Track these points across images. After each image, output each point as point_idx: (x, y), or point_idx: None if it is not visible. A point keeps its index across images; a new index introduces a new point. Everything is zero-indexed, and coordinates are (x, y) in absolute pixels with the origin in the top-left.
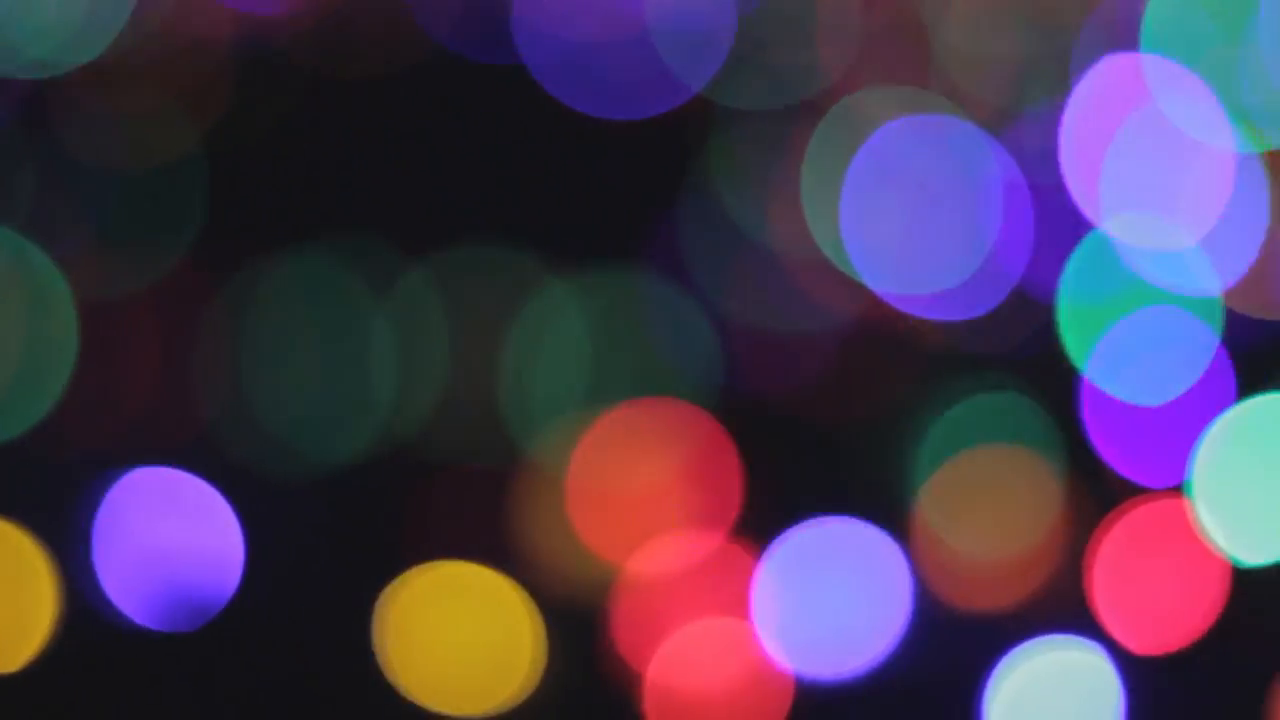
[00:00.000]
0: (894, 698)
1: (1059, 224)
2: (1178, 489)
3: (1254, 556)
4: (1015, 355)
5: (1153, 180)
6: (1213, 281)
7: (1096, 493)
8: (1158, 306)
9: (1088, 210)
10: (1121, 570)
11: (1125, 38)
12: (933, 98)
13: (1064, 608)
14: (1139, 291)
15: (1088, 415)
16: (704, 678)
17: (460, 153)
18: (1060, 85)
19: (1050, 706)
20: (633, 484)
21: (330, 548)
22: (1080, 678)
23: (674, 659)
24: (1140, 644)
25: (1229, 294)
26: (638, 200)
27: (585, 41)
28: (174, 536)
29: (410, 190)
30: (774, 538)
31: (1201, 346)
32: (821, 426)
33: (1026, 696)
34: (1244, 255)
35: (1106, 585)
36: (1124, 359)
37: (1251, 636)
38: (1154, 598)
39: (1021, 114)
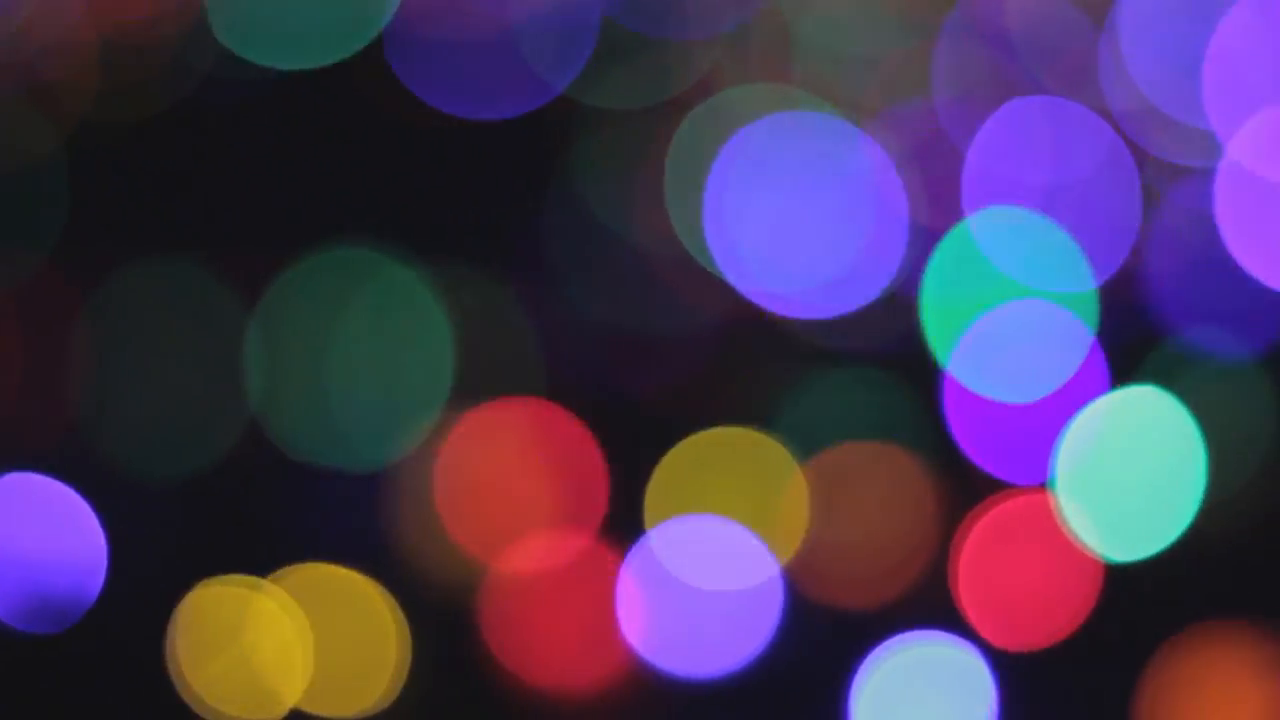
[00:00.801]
0: (761, 696)
1: (926, 220)
2: (1045, 485)
3: (1123, 553)
4: (882, 352)
5: (1019, 175)
6: (1085, 277)
7: (963, 490)
8: (1026, 302)
9: (953, 206)
10: (987, 567)
11: (988, 34)
12: (798, 94)
13: (931, 604)
14: (1003, 287)
15: (952, 412)
16: (573, 677)
17: (325, 153)
18: (923, 82)
19: (916, 703)
20: (498, 484)
21: (194, 550)
22: (948, 674)
23: (543, 658)
24: (1010, 640)
25: (1104, 289)
26: (503, 200)
27: (447, 41)
28: (36, 540)
29: (275, 190)
30: (639, 537)
31: (1073, 342)
32: (687, 426)
33: (892, 693)
34: (1117, 250)
35: (972, 582)
36: (989, 355)
37: (1125, 632)
38: (1022, 594)
39: (885, 111)
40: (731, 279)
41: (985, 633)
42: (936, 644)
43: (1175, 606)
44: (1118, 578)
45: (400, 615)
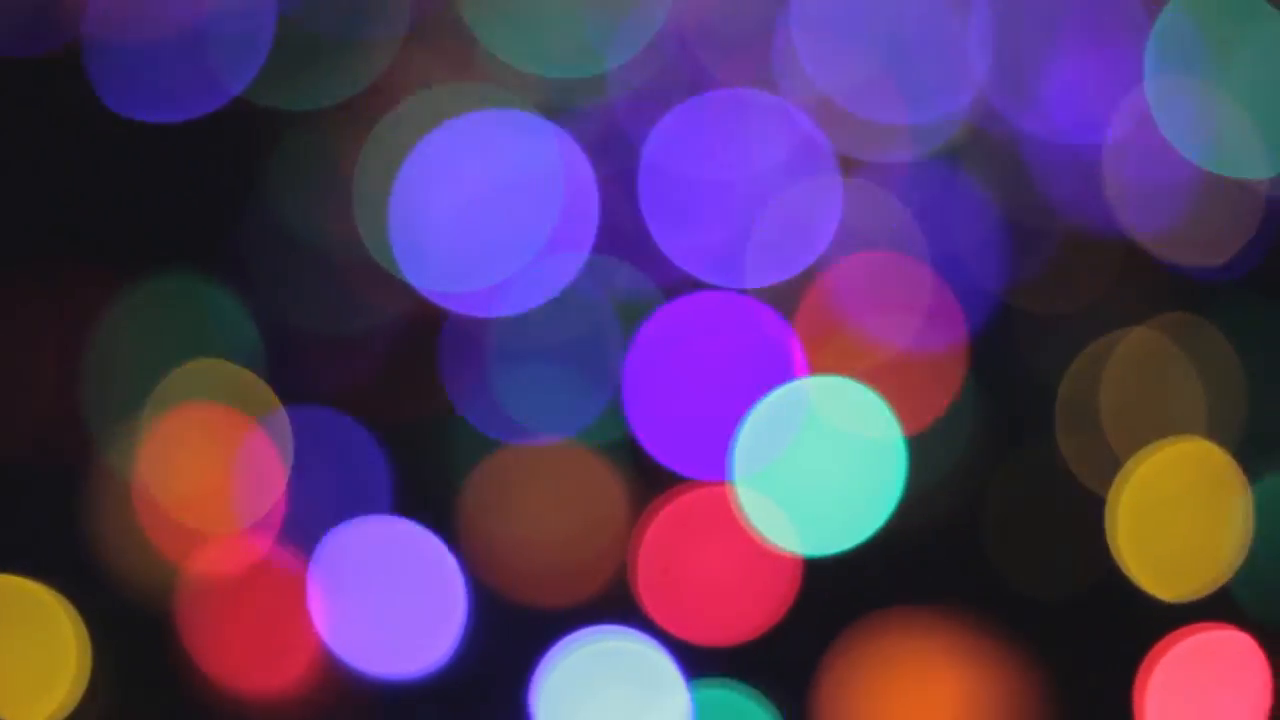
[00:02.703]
0: (449, 694)
1: (612, 222)
2: (728, 480)
3: (816, 548)
4: (568, 349)
5: (703, 170)
6: (766, 274)
7: (646, 486)
8: (709, 294)
9: (634, 207)
10: (666, 562)
11: (671, 32)
12: (483, 93)
13: (618, 601)
14: (682, 284)
15: (633, 408)
16: (267, 677)
17: (9, 159)
18: (603, 81)
19: (599, 699)
20: (186, 487)
21: None
22: (631, 669)
23: (233, 660)
24: (699, 635)
25: (793, 281)
26: (189, 203)
27: (124, 43)
28: None
29: None
30: (325, 538)
31: (762, 337)
32: (372, 425)
33: (575, 690)
34: (807, 243)
35: (651, 577)
36: (668, 353)
37: (821, 626)
38: (707, 589)
39: (568, 111)
40: (415, 280)
41: (671, 628)
42: (619, 640)
43: (870, 599)
44: (816, 572)
45: (80, 622)
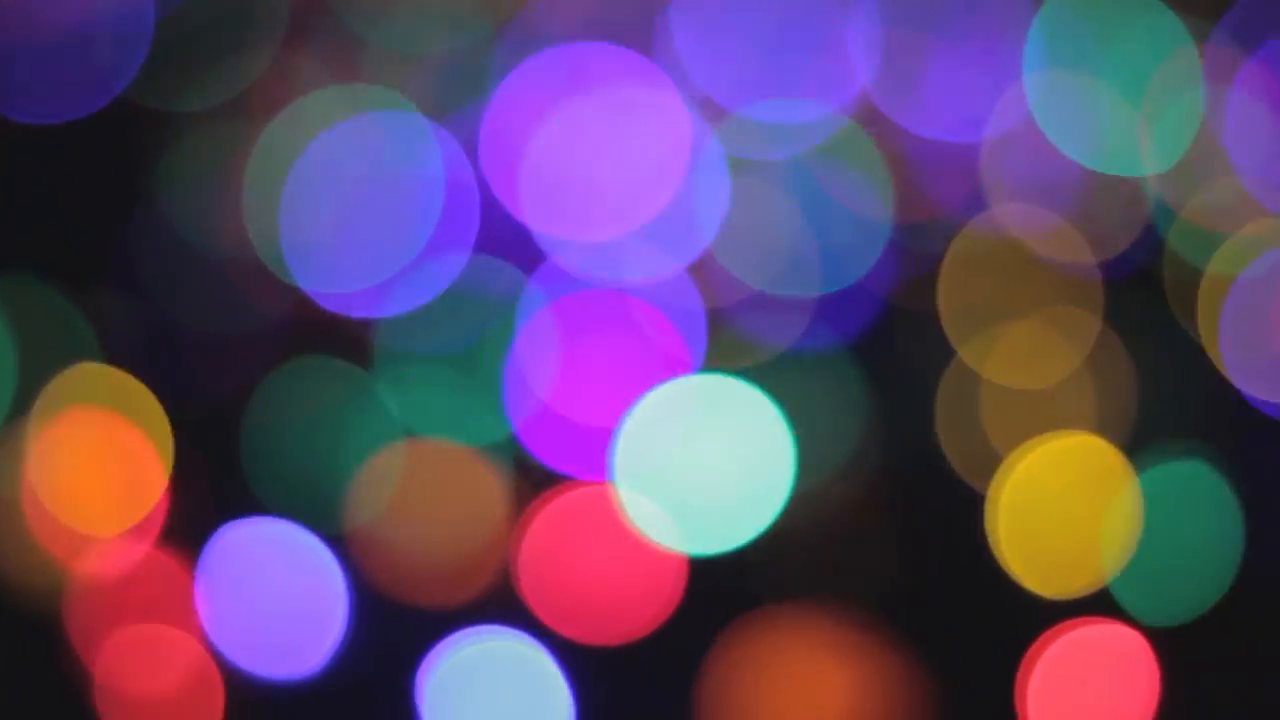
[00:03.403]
0: (333, 694)
1: (493, 221)
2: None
3: (702, 546)
4: (449, 349)
5: (580, 173)
6: (657, 269)
7: (530, 485)
8: (590, 292)
9: (515, 205)
10: (555, 562)
11: (553, 32)
12: (365, 94)
13: (503, 600)
14: (565, 283)
15: (517, 410)
16: (153, 678)
17: None
18: (484, 84)
19: (483, 699)
20: (70, 491)
21: None
22: (515, 669)
23: (121, 661)
24: (585, 634)
25: (679, 278)
26: (71, 205)
27: (3, 44)
28: None
29: None
30: (208, 539)
31: (646, 335)
32: (256, 426)
33: (460, 690)
34: (692, 243)
35: (533, 576)
36: (551, 352)
37: (706, 626)
38: (594, 589)
39: (453, 112)
40: (298, 279)
41: (555, 627)
42: (502, 640)
43: (755, 597)
44: (704, 570)
45: None
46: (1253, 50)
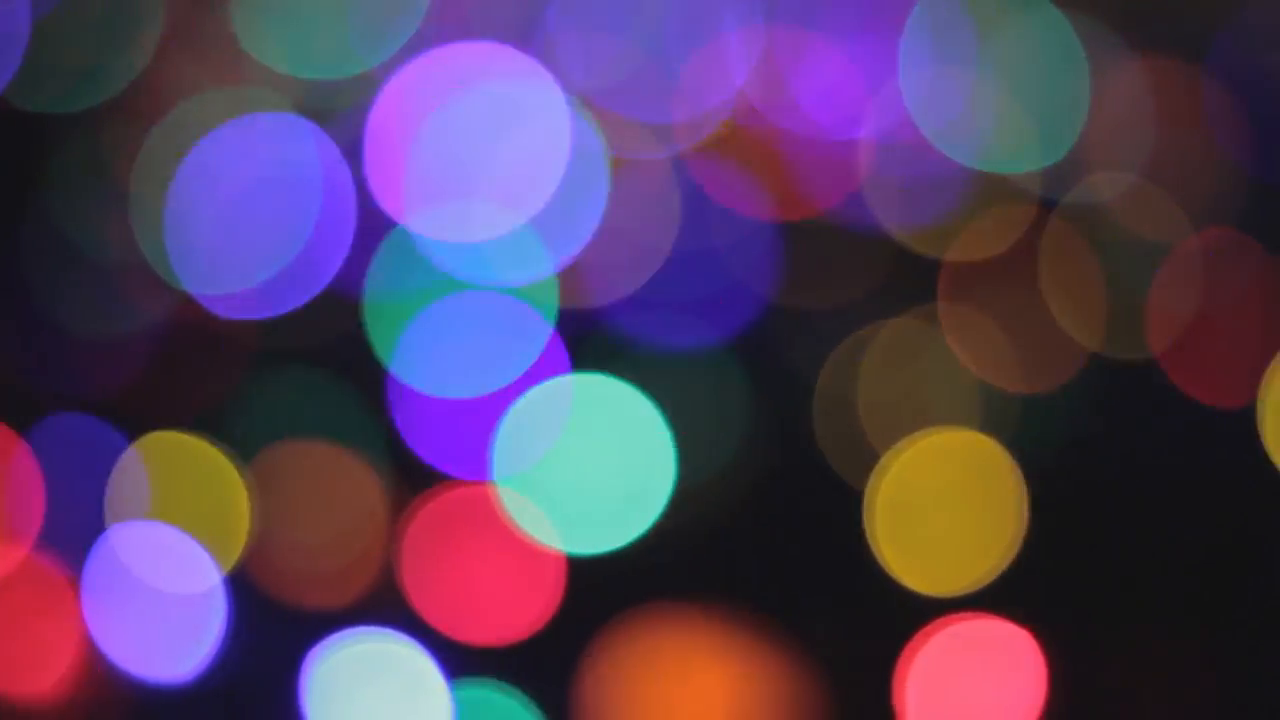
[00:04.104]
0: (214, 696)
1: (373, 221)
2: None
3: (584, 546)
4: (330, 350)
5: (459, 173)
6: (535, 269)
7: (411, 486)
8: (472, 295)
9: (392, 206)
10: (437, 562)
11: (441, 32)
12: (244, 96)
13: (383, 600)
14: (443, 284)
15: (398, 409)
16: (35, 681)
17: None
18: (365, 85)
19: (362, 701)
20: None
21: None
22: (394, 670)
23: (3, 664)
24: (466, 635)
25: (558, 279)
26: None
27: None
28: None
29: None
30: (88, 542)
31: (525, 333)
32: (133, 429)
33: (339, 692)
34: (571, 242)
35: (423, 578)
36: (430, 352)
37: (587, 625)
38: (476, 589)
39: (329, 112)
40: (181, 281)
41: (438, 627)
42: (381, 641)
43: (636, 597)
44: (583, 570)
45: None
46: (1140, 42)
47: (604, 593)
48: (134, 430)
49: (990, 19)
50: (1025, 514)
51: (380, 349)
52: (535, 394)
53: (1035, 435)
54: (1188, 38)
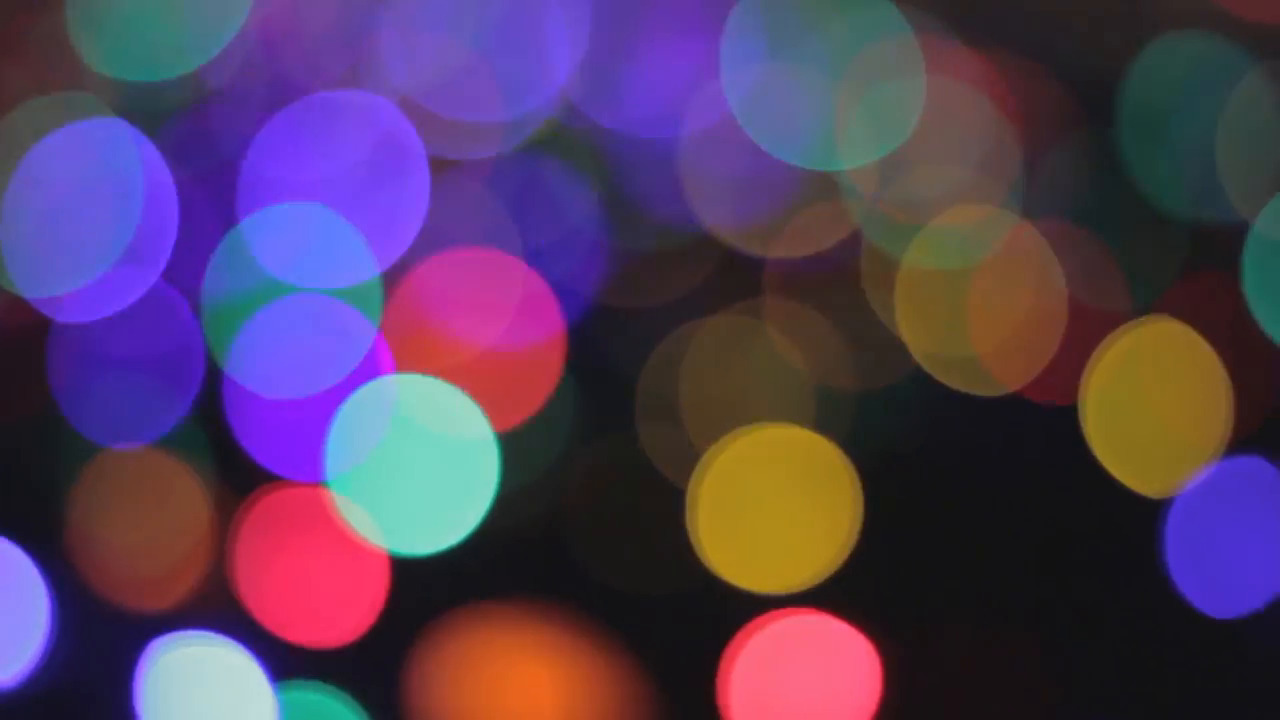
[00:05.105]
0: (38, 702)
1: (207, 223)
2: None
3: (411, 546)
4: (149, 354)
5: (296, 174)
6: (365, 269)
7: (240, 487)
8: (302, 297)
9: (222, 209)
10: (266, 563)
11: (267, 38)
12: (67, 101)
13: (215, 603)
14: (277, 285)
15: (231, 411)
16: None
17: None
18: (199, 89)
19: (190, 703)
20: None
21: None
22: (218, 673)
23: None
24: (295, 636)
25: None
26: None
27: None
28: None
29: None
30: None
31: (352, 334)
32: None
33: (166, 695)
34: (391, 246)
35: (251, 576)
36: (264, 353)
37: (412, 625)
38: (306, 589)
39: (152, 115)
40: (20, 286)
41: (268, 628)
42: (205, 643)
43: (461, 597)
44: (409, 570)
45: None
46: (967, 38)
47: (429, 593)
48: None
49: (819, 13)
50: (858, 510)
51: (215, 351)
52: (360, 396)
53: (866, 432)
54: (1019, 31)
